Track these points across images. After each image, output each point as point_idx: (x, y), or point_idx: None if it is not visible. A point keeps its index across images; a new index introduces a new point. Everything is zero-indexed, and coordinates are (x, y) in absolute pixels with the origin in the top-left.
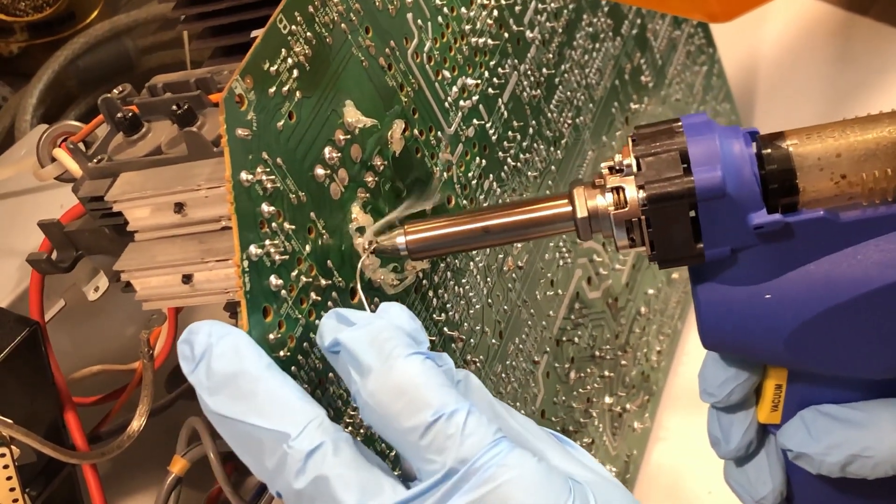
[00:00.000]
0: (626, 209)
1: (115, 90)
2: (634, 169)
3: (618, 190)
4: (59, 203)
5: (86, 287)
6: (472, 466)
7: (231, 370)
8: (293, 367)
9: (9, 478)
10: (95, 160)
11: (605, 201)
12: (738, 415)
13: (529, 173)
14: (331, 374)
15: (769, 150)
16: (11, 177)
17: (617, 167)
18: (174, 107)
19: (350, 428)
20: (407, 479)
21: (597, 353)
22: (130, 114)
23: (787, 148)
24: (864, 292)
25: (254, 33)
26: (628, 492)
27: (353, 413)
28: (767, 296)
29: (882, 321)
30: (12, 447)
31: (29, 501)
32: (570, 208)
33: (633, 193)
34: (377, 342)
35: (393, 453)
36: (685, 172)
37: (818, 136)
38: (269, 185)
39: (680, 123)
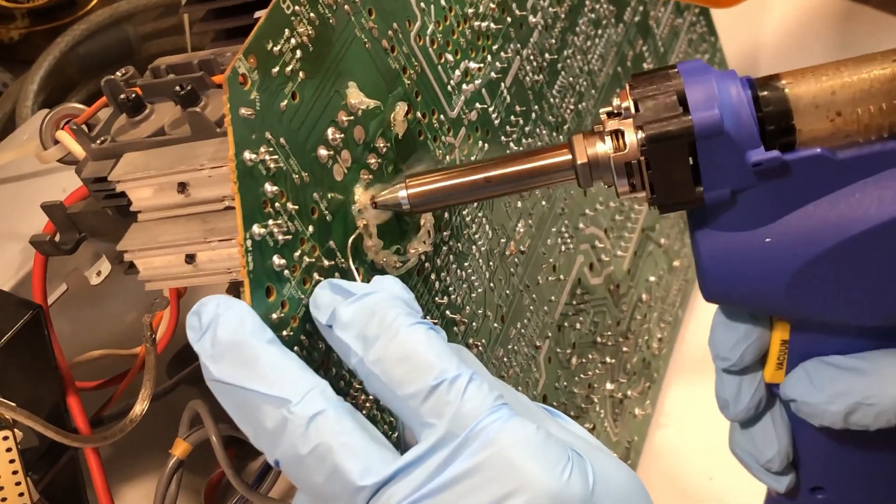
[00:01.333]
0: (626, 152)
1: (118, 72)
2: (633, 111)
3: (617, 134)
4: (62, 187)
5: (88, 271)
6: (473, 430)
7: (235, 338)
8: (296, 348)
9: (11, 461)
10: (98, 141)
11: (604, 147)
12: (747, 376)
13: None
14: (335, 356)
15: (766, 93)
16: (14, 161)
17: (615, 111)
18: (177, 88)
19: None
20: None
21: (598, 339)
22: (134, 95)
23: (783, 89)
24: (865, 230)
25: (257, 14)
26: (622, 462)
27: (354, 395)
28: (767, 239)
29: (883, 260)
30: (15, 430)
31: (31, 485)
32: (569, 156)
33: (631, 136)
34: (378, 313)
35: (395, 435)
36: (683, 113)
37: (812, 75)
38: (272, 165)
39: (676, 69)
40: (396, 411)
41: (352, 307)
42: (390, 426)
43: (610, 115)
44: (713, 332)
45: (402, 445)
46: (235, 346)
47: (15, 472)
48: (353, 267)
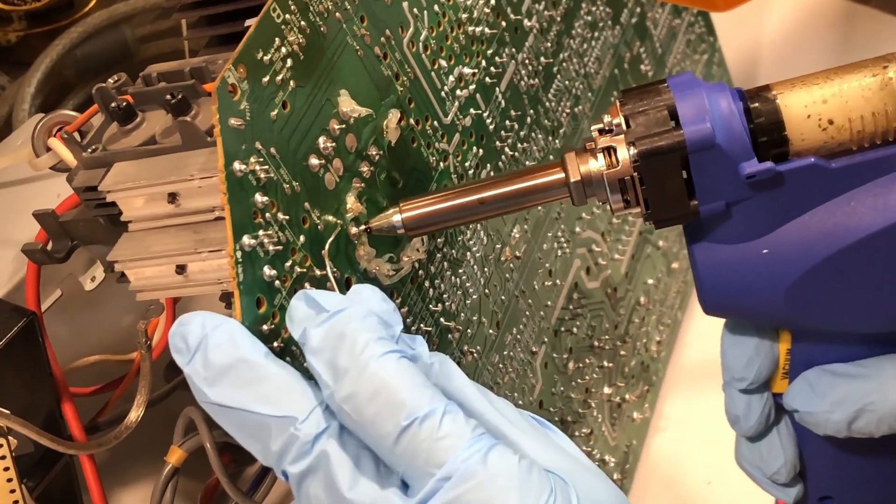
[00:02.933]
0: (619, 168)
1: (110, 79)
2: (624, 127)
3: (609, 150)
4: (56, 193)
5: (82, 277)
6: (451, 465)
7: (229, 360)
8: (287, 359)
9: (6, 468)
10: (90, 150)
11: (597, 164)
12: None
13: (527, 163)
14: None
15: (756, 104)
16: (7, 167)
17: (607, 128)
18: (168, 96)
19: None
20: None
21: (595, 343)
22: (125, 103)
23: (774, 99)
24: (861, 238)
25: (248, 22)
26: (608, 479)
27: None
28: (765, 250)
29: (881, 267)
30: (9, 438)
31: (26, 493)
32: (562, 175)
33: (624, 152)
34: (348, 337)
35: None
36: (675, 127)
37: (803, 85)
38: (262, 175)
39: (666, 84)
40: (373, 448)
41: (321, 329)
42: None
43: (601, 131)
44: (724, 354)
45: None
46: (230, 367)
47: (9, 480)
48: (330, 273)
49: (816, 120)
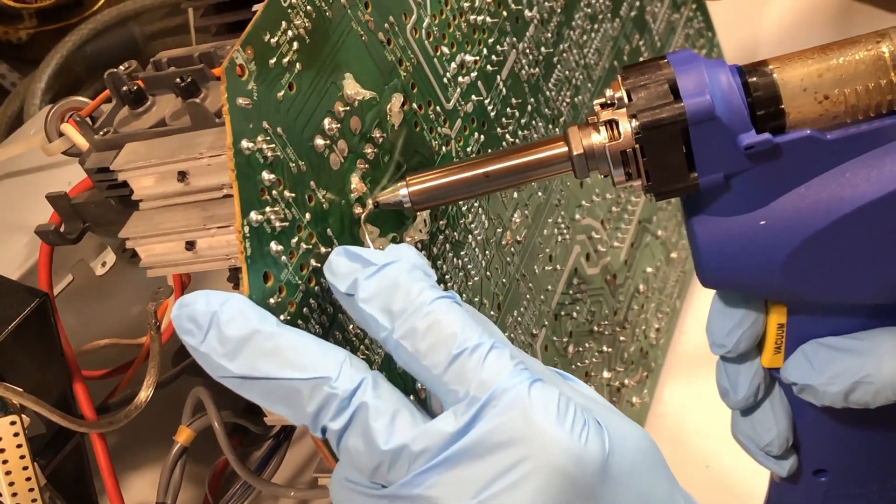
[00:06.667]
0: (621, 141)
1: (121, 66)
2: (626, 101)
3: (611, 123)
4: (67, 180)
5: (93, 262)
6: (495, 393)
7: (244, 332)
8: None
9: (19, 445)
10: (101, 133)
11: (599, 137)
12: (745, 363)
13: None
14: (330, 340)
15: (754, 78)
16: (21, 154)
17: (609, 101)
18: (178, 79)
19: None
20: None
21: (595, 328)
22: (136, 87)
23: (771, 74)
24: (855, 208)
25: (255, 7)
26: (633, 422)
27: None
28: (762, 221)
29: (875, 237)
30: (22, 416)
31: (39, 471)
32: (566, 148)
33: (626, 125)
34: (402, 286)
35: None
36: (675, 100)
37: (799, 59)
38: (269, 154)
39: (666, 59)
40: (424, 381)
41: (374, 280)
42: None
43: (604, 105)
44: (710, 320)
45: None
46: (247, 339)
47: (22, 457)
48: (368, 238)
49: (812, 93)
